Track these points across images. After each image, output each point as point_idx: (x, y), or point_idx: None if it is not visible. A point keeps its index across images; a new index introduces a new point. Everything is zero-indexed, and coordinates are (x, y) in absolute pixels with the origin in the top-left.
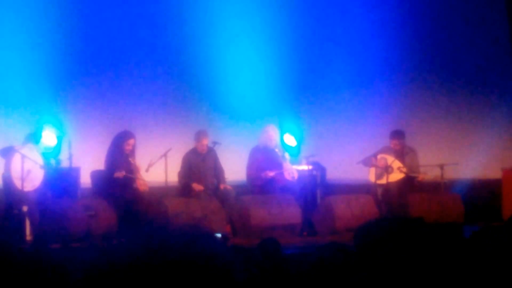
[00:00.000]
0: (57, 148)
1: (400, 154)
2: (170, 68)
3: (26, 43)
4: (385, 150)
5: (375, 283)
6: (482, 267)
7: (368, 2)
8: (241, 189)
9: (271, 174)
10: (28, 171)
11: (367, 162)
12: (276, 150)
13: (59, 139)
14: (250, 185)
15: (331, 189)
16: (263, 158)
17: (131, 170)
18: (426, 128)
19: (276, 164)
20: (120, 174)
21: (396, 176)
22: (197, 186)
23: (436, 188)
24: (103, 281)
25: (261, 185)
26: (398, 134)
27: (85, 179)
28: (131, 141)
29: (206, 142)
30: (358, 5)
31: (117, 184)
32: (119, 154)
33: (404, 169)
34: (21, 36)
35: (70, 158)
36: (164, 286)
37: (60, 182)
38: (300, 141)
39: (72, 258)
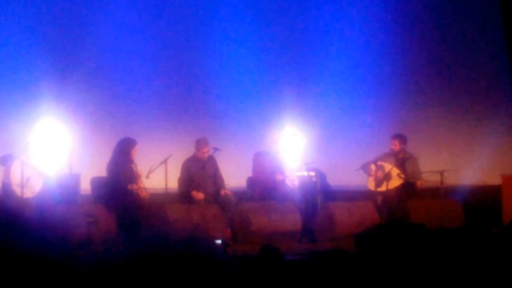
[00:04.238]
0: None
1: (400, 161)
2: (170, 74)
3: (25, 48)
4: (385, 156)
5: None
6: (483, 271)
7: (367, 6)
8: (242, 195)
9: (280, 177)
10: (27, 178)
11: (366, 169)
12: (279, 155)
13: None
14: (251, 190)
15: (331, 195)
16: (267, 163)
17: (133, 176)
18: (426, 135)
19: (279, 169)
20: (133, 187)
21: (395, 182)
22: (197, 195)
23: (436, 194)
24: (104, 283)
25: (267, 188)
26: (399, 137)
27: (85, 186)
28: (136, 148)
29: (207, 150)
30: (357, 9)
31: (120, 192)
32: (125, 161)
33: (403, 176)
34: (20, 40)
35: (69, 164)
36: None
37: (60, 188)
38: (300, 147)
39: (73, 261)
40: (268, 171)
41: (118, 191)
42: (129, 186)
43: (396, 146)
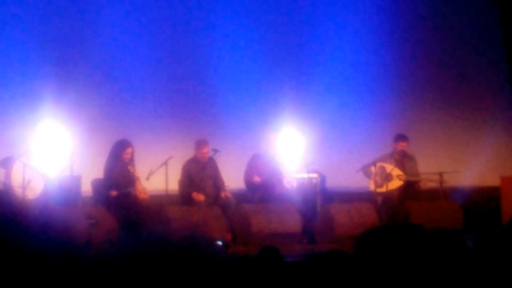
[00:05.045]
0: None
1: (400, 161)
2: (170, 75)
3: (26, 50)
4: (385, 158)
5: None
6: (483, 273)
7: (366, 7)
8: (242, 197)
9: (257, 179)
10: (29, 180)
11: (366, 171)
12: (276, 157)
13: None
14: (248, 192)
15: (331, 197)
16: (261, 165)
17: (130, 178)
18: (426, 136)
19: (275, 171)
20: (113, 193)
21: (395, 183)
22: (197, 196)
23: (436, 195)
24: (105, 284)
25: (255, 190)
26: (406, 137)
27: (86, 187)
28: (129, 150)
29: (207, 150)
30: (356, 10)
31: (108, 194)
32: (118, 163)
33: (404, 177)
34: (21, 42)
35: (71, 166)
36: None
37: (61, 190)
38: (299, 148)
39: (75, 262)
40: (261, 173)
41: (106, 193)
42: (111, 193)
43: (406, 147)
